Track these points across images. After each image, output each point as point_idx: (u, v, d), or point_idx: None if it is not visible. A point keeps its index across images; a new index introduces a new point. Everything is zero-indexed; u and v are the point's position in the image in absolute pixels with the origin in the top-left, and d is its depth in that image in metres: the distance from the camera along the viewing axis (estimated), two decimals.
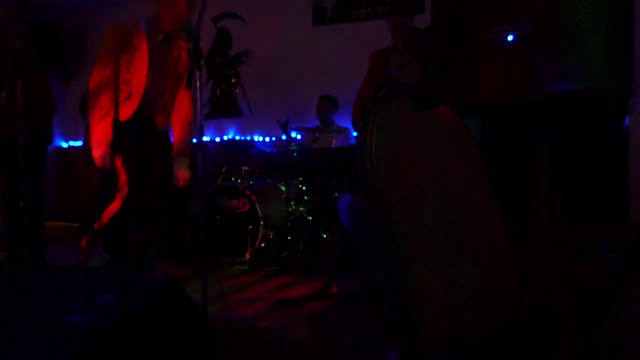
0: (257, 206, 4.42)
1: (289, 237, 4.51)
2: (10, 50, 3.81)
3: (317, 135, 5.06)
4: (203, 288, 2.43)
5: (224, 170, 5.25)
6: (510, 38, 1.81)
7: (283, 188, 4.75)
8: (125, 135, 2.99)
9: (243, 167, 5.03)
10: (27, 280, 2.06)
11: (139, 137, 3.05)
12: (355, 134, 5.10)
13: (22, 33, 3.96)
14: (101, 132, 2.94)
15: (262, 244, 4.40)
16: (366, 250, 3.57)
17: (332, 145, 4.91)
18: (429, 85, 2.44)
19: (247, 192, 4.49)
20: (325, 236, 4.43)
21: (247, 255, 4.37)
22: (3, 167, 4.00)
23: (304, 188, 4.65)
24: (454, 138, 1.35)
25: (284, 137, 4.90)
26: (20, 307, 1.92)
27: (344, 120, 5.36)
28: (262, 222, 4.39)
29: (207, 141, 6.37)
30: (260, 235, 4.38)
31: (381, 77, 3.49)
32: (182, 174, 3.20)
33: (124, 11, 6.86)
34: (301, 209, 4.62)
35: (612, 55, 1.72)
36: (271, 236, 4.44)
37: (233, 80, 6.29)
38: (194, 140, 3.27)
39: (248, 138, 6.45)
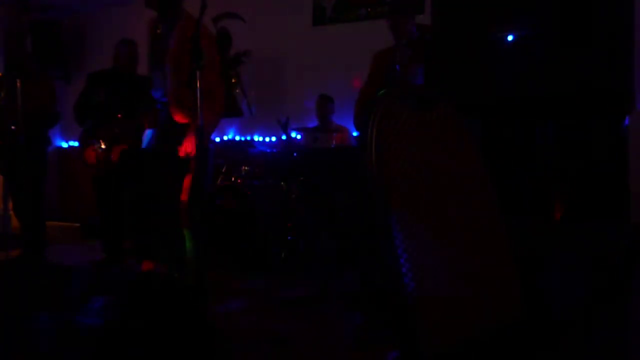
0: (257, 206, 4.41)
1: (288, 237, 4.50)
2: (16, 53, 3.83)
3: (317, 135, 5.05)
4: (203, 288, 2.43)
5: (224, 170, 5.24)
6: (510, 38, 1.81)
7: (283, 188, 4.75)
8: None
9: (243, 167, 5.02)
10: (30, 279, 2.06)
11: None
12: (355, 134, 5.09)
13: (26, 36, 3.99)
14: None
15: (262, 244, 4.40)
16: (366, 250, 3.57)
17: (332, 145, 4.91)
18: (430, 85, 2.44)
19: (247, 192, 4.49)
20: (325, 236, 4.42)
21: (247, 255, 4.37)
22: (7, 167, 4.02)
23: (304, 188, 4.64)
24: (454, 138, 1.35)
25: (284, 137, 4.90)
26: (23, 306, 1.92)
27: (344, 121, 5.36)
28: (261, 222, 4.39)
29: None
30: (259, 235, 4.38)
31: (384, 77, 3.49)
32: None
33: (124, 11, 6.87)
34: (301, 208, 4.62)
35: (612, 55, 1.72)
36: (271, 236, 4.44)
37: (233, 80, 6.28)
38: None
39: (248, 138, 6.44)
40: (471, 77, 1.98)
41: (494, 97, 1.96)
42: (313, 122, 5.49)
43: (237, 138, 6.54)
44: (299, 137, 5.57)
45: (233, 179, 5.04)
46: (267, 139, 6.29)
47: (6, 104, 3.96)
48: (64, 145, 7.39)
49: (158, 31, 3.14)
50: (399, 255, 1.14)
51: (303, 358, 2.42)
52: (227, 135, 6.60)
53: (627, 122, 2.17)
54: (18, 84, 3.65)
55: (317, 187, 4.55)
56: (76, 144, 7.24)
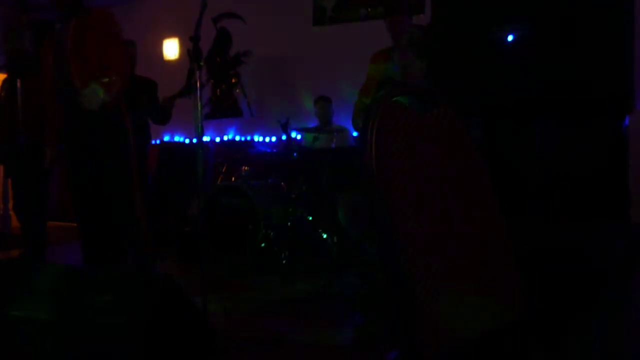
0: (257, 206, 4.41)
1: (289, 237, 4.50)
2: (17, 52, 3.83)
3: (317, 135, 5.06)
4: (203, 288, 2.43)
5: (224, 170, 5.24)
6: (510, 38, 1.81)
7: (283, 188, 4.75)
8: None
9: (243, 167, 5.02)
10: (30, 278, 2.06)
11: None
12: (355, 134, 5.09)
13: (27, 35, 3.99)
14: None
15: (262, 244, 4.40)
16: (366, 250, 3.57)
17: (332, 145, 4.91)
18: (430, 85, 2.44)
19: (247, 192, 4.49)
20: (325, 236, 4.42)
21: (247, 256, 4.37)
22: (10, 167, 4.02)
23: (304, 188, 4.64)
24: (454, 138, 1.35)
25: (284, 137, 4.90)
26: (21, 306, 1.92)
27: (343, 121, 5.36)
28: (262, 222, 4.38)
29: (207, 141, 6.37)
30: (260, 235, 4.38)
31: (382, 78, 3.48)
32: None
33: (124, 11, 6.86)
34: (301, 208, 4.62)
35: (612, 55, 1.72)
36: (271, 236, 4.44)
37: (233, 80, 6.29)
38: (194, 141, 3.29)
39: (248, 138, 6.44)
40: (471, 77, 1.98)
41: (494, 97, 1.96)
42: (313, 122, 5.50)
43: (237, 138, 6.54)
44: (299, 137, 5.57)
45: (233, 179, 5.04)
46: (267, 139, 6.29)
47: (6, 104, 3.96)
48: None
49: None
50: (398, 256, 1.14)
51: (303, 358, 2.42)
52: (227, 135, 6.61)
53: (627, 122, 2.18)
54: (18, 84, 3.65)
55: (317, 187, 4.54)
56: None
